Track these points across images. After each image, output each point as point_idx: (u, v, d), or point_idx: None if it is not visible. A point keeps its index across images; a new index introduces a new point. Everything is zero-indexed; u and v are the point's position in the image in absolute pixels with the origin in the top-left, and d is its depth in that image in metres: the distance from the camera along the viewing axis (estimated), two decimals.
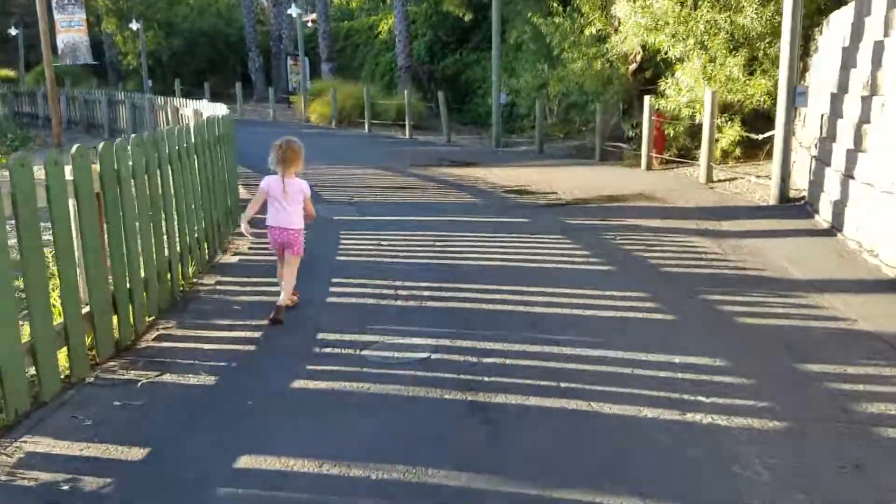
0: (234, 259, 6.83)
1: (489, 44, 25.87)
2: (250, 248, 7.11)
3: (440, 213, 8.91)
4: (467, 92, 26.36)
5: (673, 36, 12.13)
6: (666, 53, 12.45)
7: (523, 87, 19.12)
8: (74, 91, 23.14)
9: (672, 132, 12.67)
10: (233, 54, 35.42)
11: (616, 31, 14.04)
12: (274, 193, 5.02)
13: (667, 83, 12.40)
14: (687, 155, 12.98)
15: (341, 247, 7.23)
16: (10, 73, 40.54)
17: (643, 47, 13.43)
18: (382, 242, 7.32)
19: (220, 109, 10.14)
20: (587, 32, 14.73)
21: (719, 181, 10.93)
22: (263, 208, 5.17)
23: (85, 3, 37.85)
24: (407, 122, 20.99)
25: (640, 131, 13.87)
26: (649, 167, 12.80)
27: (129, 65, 35.77)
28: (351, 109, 24.55)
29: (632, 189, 10.66)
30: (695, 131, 12.75)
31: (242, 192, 9.31)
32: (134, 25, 32.78)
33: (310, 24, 36.02)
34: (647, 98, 12.77)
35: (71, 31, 18.07)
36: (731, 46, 11.72)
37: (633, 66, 14.40)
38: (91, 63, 23.74)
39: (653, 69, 14.16)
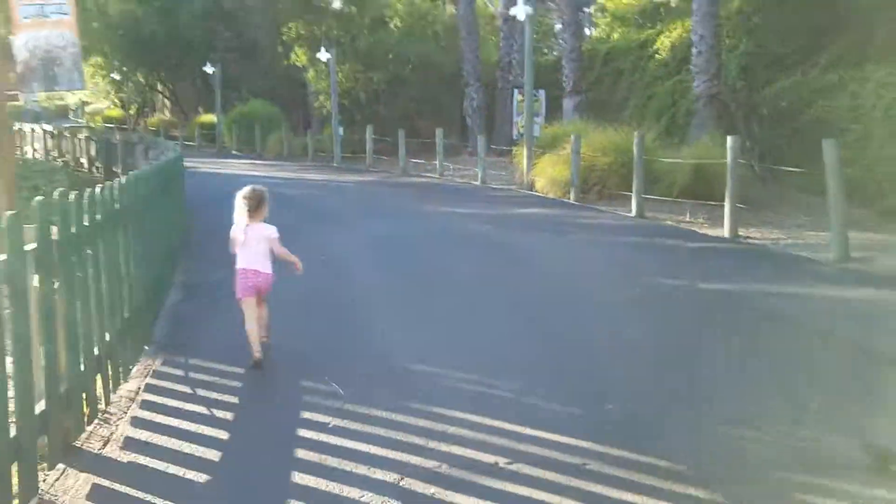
0: None
1: (864, 52, 13.77)
2: None
3: None
4: (817, 138, 14.44)
5: None
6: None
7: None
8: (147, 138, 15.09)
9: None
10: (448, 92, 26.09)
11: None
12: (238, 240, 5.11)
13: None
14: None
15: None
16: (212, 117, 35.26)
17: None
18: None
19: None
20: None
21: None
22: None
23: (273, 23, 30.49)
24: (727, 204, 9.73)
25: None
26: None
27: (322, 107, 27.95)
28: (606, 171, 13.82)
29: None
30: None
31: None
32: (323, 55, 24.81)
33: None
34: None
35: (45, 25, 7.72)
36: None
37: None
38: (78, 90, 13.61)
39: None
